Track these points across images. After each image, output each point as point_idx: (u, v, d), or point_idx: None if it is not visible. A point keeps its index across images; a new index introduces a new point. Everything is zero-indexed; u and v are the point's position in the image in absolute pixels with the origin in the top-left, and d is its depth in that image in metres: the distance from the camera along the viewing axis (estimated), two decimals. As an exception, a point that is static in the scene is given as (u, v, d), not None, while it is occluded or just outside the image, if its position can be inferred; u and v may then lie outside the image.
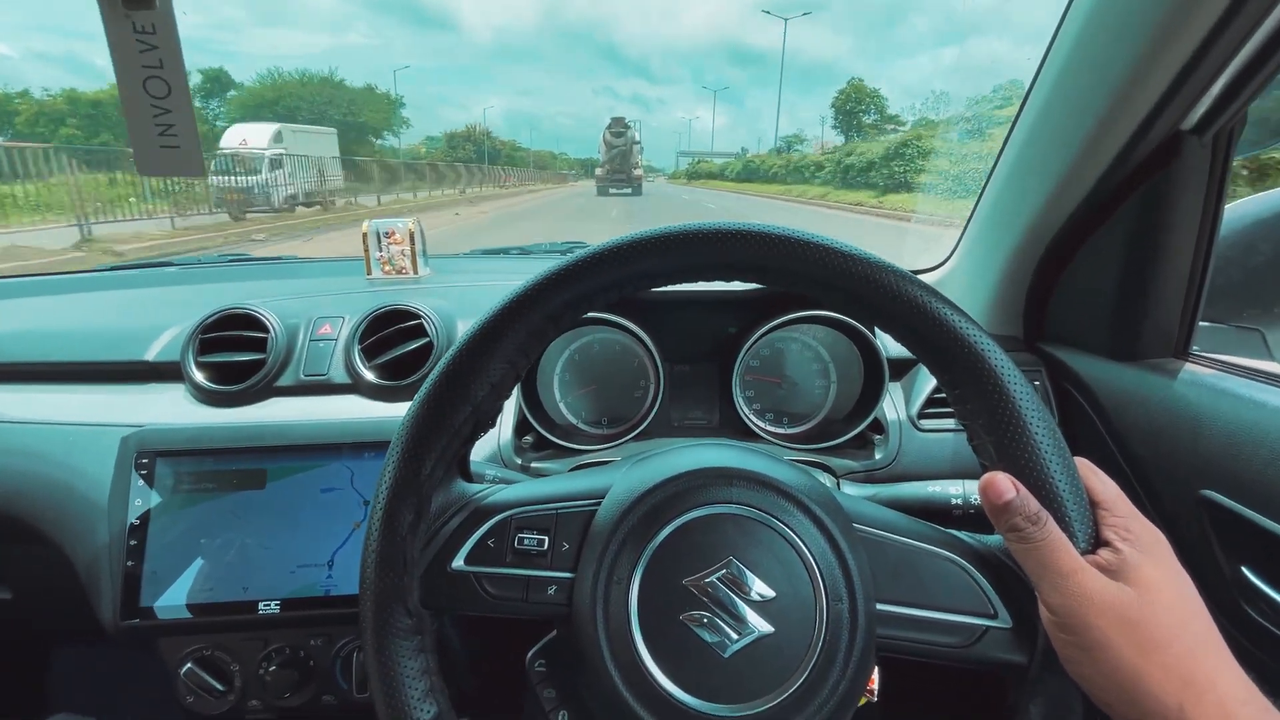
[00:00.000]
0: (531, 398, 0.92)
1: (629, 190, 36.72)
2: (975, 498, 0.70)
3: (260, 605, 0.76)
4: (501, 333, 0.45)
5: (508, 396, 0.48)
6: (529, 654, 0.52)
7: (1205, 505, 0.66)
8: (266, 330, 0.90)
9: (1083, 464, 0.44)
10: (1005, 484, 0.41)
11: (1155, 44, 0.62)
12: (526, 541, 0.47)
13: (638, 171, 39.54)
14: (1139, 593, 0.38)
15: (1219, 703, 0.35)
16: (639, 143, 42.08)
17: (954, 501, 0.71)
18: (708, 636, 0.43)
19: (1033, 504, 0.41)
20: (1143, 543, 0.40)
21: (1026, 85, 0.81)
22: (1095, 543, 0.41)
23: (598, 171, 40.13)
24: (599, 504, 0.49)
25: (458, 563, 0.47)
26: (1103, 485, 0.43)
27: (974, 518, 0.70)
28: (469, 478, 0.53)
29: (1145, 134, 0.69)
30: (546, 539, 0.48)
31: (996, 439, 0.42)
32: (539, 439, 0.90)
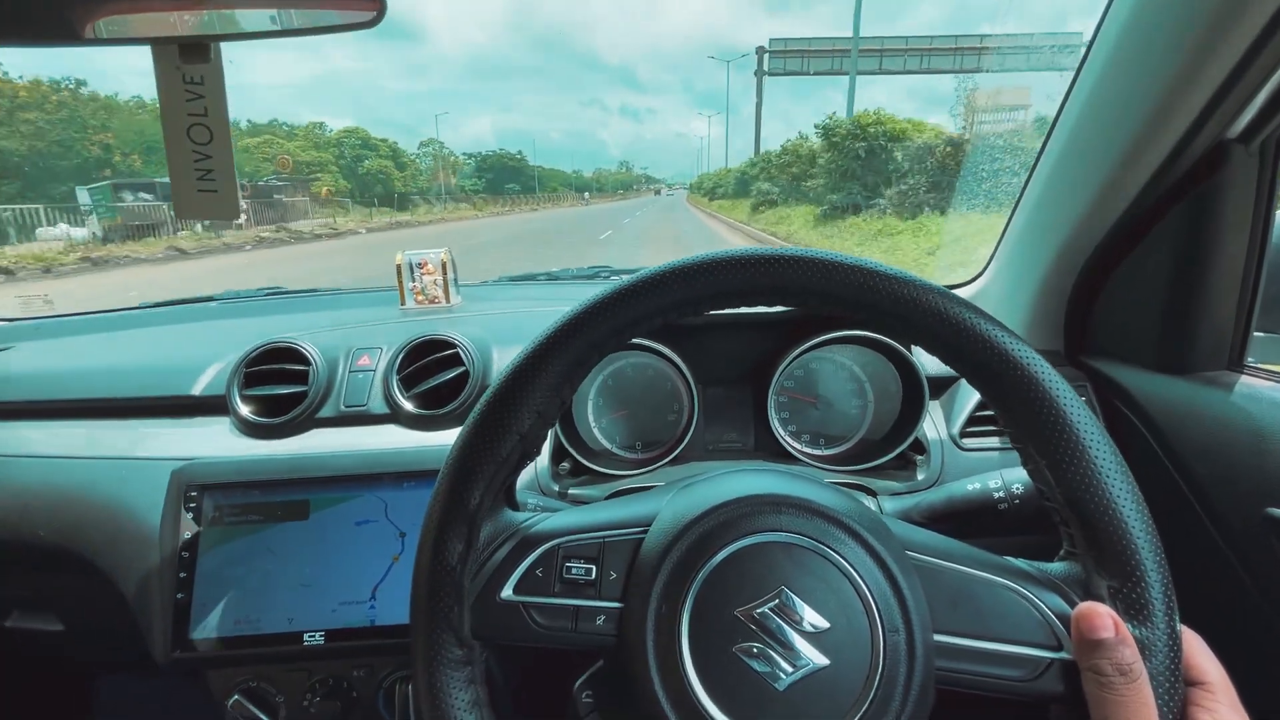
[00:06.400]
0: (567, 424, 0.92)
1: None
2: (1017, 487, 0.68)
3: (305, 636, 0.77)
4: (545, 363, 0.46)
5: (553, 424, 0.49)
6: (576, 684, 0.51)
7: (1272, 524, 0.63)
8: (308, 363, 0.92)
9: (1191, 636, 0.41)
10: (1104, 620, 0.38)
11: (1199, 52, 0.61)
12: (574, 571, 0.47)
13: None
14: None
15: None
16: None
17: (997, 495, 0.69)
18: (761, 668, 0.42)
19: (1128, 653, 0.38)
20: None
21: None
22: (1172, 646, 0.39)
23: None
24: (645, 532, 0.48)
25: (506, 592, 0.47)
26: (1213, 665, 0.40)
27: (1020, 510, 0.68)
28: (515, 506, 0.53)
29: (1189, 143, 0.68)
30: (594, 568, 0.47)
31: (1051, 460, 0.41)
32: (575, 465, 0.90)
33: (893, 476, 0.87)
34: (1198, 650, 0.41)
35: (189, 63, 0.56)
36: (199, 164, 0.61)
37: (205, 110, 0.60)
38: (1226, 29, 0.58)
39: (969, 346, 0.43)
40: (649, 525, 0.49)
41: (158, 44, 0.55)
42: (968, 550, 0.48)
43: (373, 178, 50.27)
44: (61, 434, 0.93)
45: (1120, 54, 0.70)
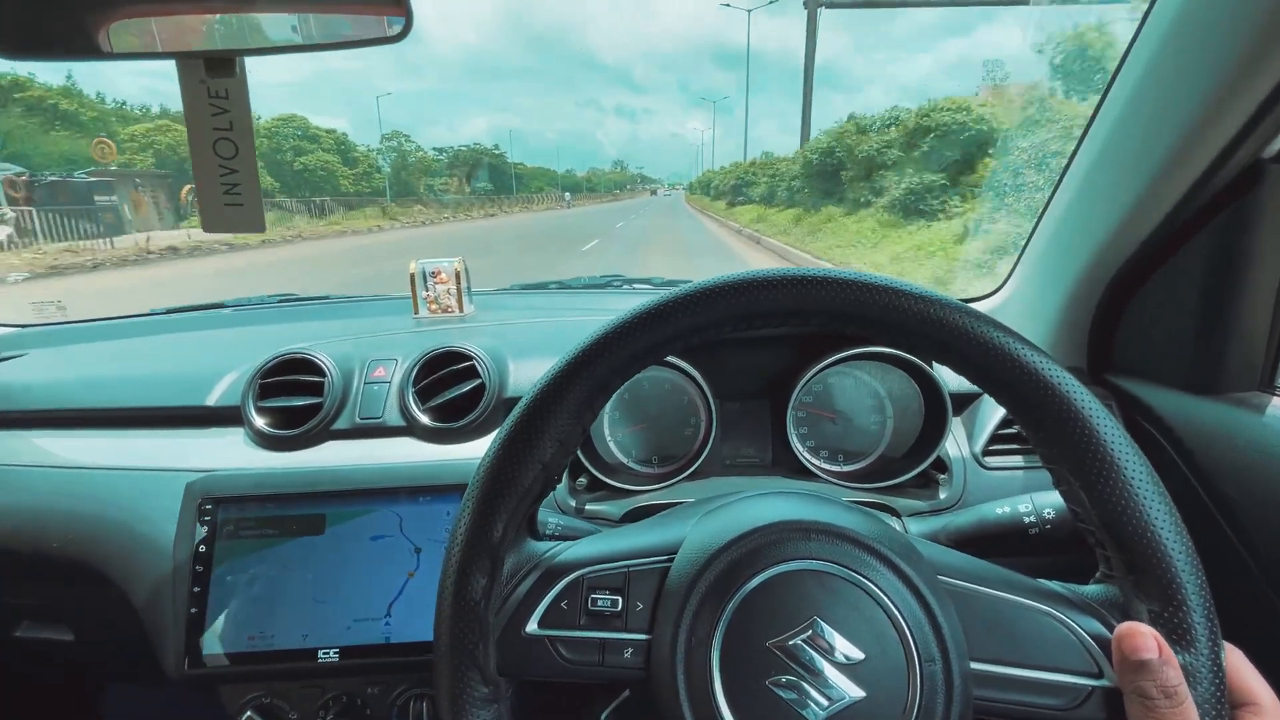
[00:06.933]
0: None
1: None
2: (1048, 512, 0.68)
3: (319, 653, 0.76)
4: (567, 390, 0.45)
5: (575, 450, 0.48)
6: (602, 716, 0.51)
7: None
8: (323, 374, 0.92)
9: (1239, 657, 0.41)
10: (1147, 641, 0.38)
11: (1238, 71, 0.60)
12: (600, 603, 0.46)
13: None
14: None
15: None
16: None
17: (1028, 520, 0.68)
18: (795, 702, 0.41)
19: (1172, 674, 0.37)
20: None
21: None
22: (1216, 671, 0.38)
23: None
24: (671, 560, 0.47)
25: (532, 627, 0.46)
26: (1262, 686, 0.39)
27: (1051, 534, 0.68)
28: (537, 535, 0.52)
29: (1225, 162, 0.67)
30: (620, 599, 0.47)
31: (1085, 483, 0.41)
32: (592, 480, 0.89)
33: (914, 495, 0.86)
34: (1246, 673, 0.40)
35: (215, 77, 0.55)
36: (224, 178, 0.61)
37: (230, 125, 0.59)
38: (1267, 49, 0.57)
39: (998, 367, 0.42)
40: (674, 552, 0.48)
41: (183, 59, 0.55)
42: (1000, 573, 0.47)
43: (311, 174, 41.26)
44: (76, 444, 0.93)
45: (1156, 71, 0.69)
